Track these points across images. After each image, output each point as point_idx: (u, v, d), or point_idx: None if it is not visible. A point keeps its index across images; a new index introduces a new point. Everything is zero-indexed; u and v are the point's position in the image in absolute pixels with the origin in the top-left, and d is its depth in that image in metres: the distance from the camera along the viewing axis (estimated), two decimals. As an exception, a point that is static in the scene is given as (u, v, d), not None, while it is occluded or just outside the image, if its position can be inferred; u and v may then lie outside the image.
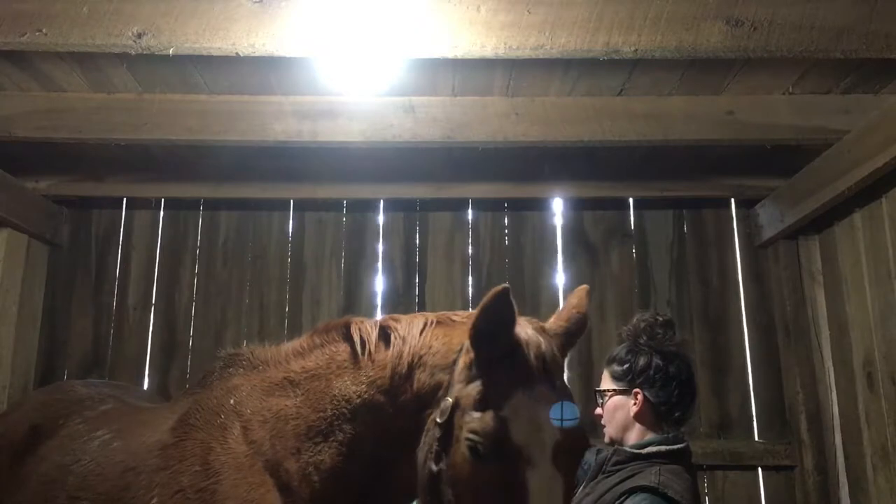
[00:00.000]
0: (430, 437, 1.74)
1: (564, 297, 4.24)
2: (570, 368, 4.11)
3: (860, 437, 3.56)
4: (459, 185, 4.14)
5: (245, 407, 2.04)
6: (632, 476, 2.30)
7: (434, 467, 1.70)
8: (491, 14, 2.57)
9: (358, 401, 1.93)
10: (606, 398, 2.51)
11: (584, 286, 2.04)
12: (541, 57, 2.64)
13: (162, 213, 4.39)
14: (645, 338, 2.48)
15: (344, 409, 1.94)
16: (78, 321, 4.25)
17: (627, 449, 2.40)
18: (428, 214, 4.35)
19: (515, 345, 1.73)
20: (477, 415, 1.65)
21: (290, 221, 4.37)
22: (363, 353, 1.96)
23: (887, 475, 3.33)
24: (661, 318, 2.52)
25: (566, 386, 1.83)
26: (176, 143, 3.56)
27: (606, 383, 2.54)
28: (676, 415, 2.43)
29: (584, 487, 2.47)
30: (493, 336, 1.72)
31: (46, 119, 3.43)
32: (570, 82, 3.33)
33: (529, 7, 2.56)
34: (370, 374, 1.94)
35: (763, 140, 3.50)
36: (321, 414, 1.95)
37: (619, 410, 2.46)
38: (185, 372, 4.17)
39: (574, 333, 1.96)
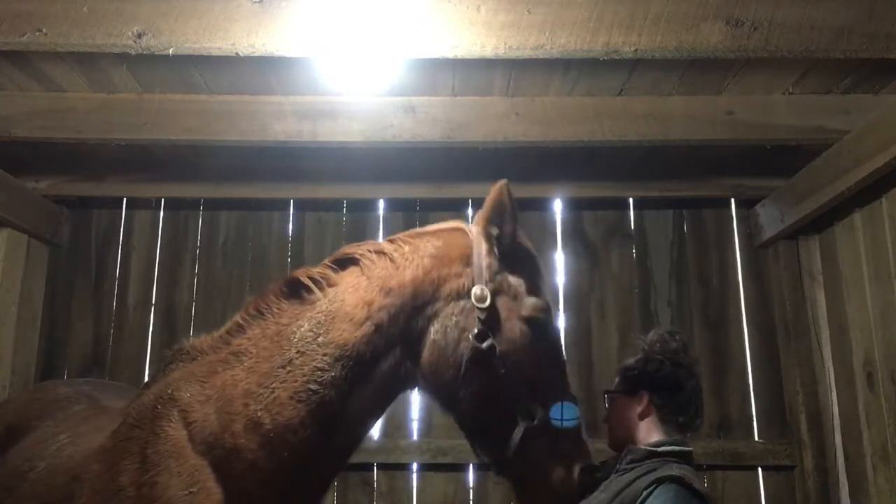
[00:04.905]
0: (464, 320, 1.96)
1: (564, 297, 4.30)
2: (569, 370, 4.10)
3: (860, 437, 3.55)
4: (459, 185, 4.14)
5: (183, 393, 1.99)
6: (652, 471, 2.34)
7: (482, 344, 1.91)
8: (491, 14, 2.57)
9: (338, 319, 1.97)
10: (614, 399, 2.60)
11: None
12: (541, 57, 2.65)
13: (162, 213, 4.39)
14: (659, 346, 2.57)
15: (308, 340, 1.96)
16: (78, 321, 4.25)
17: (642, 447, 2.44)
18: (428, 214, 4.33)
19: (520, 237, 2.08)
20: (533, 298, 2.00)
21: (290, 221, 4.38)
22: (319, 287, 2.04)
23: (887, 475, 3.33)
24: (677, 336, 2.63)
25: None
26: (176, 143, 3.56)
27: (617, 387, 2.63)
28: (680, 420, 2.50)
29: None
30: (501, 227, 2.02)
31: (46, 119, 3.43)
32: (570, 82, 3.33)
33: (529, 7, 2.57)
34: (340, 296, 2.01)
35: (763, 140, 3.50)
36: (279, 356, 1.96)
37: (624, 411, 2.54)
38: (185, 372, 4.16)
39: None
